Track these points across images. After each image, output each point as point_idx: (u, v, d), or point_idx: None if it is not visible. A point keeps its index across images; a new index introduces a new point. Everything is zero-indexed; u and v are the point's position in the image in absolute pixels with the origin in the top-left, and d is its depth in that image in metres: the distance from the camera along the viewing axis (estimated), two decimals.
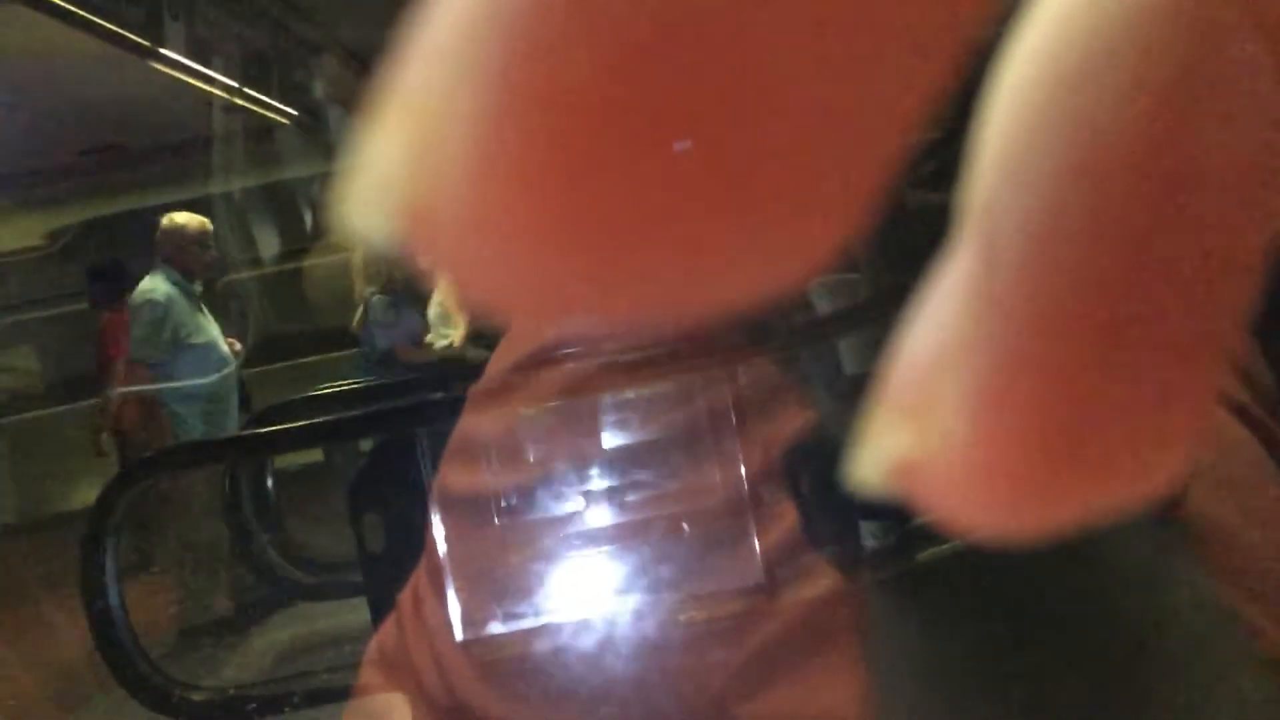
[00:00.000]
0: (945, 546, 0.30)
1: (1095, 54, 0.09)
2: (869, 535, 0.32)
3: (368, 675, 0.52)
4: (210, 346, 3.89)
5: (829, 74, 0.08)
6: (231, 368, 3.98)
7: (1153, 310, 0.09)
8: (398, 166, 0.09)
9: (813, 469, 0.32)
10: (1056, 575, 0.30)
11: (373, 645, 0.53)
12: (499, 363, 0.49)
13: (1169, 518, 0.31)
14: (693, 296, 0.09)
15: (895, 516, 0.30)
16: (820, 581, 0.37)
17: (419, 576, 0.50)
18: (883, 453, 0.10)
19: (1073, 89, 0.09)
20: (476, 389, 0.50)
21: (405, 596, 0.51)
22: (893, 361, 0.10)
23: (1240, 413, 0.41)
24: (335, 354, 4.72)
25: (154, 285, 3.81)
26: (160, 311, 3.78)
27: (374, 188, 0.09)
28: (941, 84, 0.09)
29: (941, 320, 0.10)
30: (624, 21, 0.08)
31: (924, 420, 0.10)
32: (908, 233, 0.18)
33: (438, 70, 0.08)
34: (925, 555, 0.30)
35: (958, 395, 0.09)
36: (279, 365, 5.24)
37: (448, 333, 4.15)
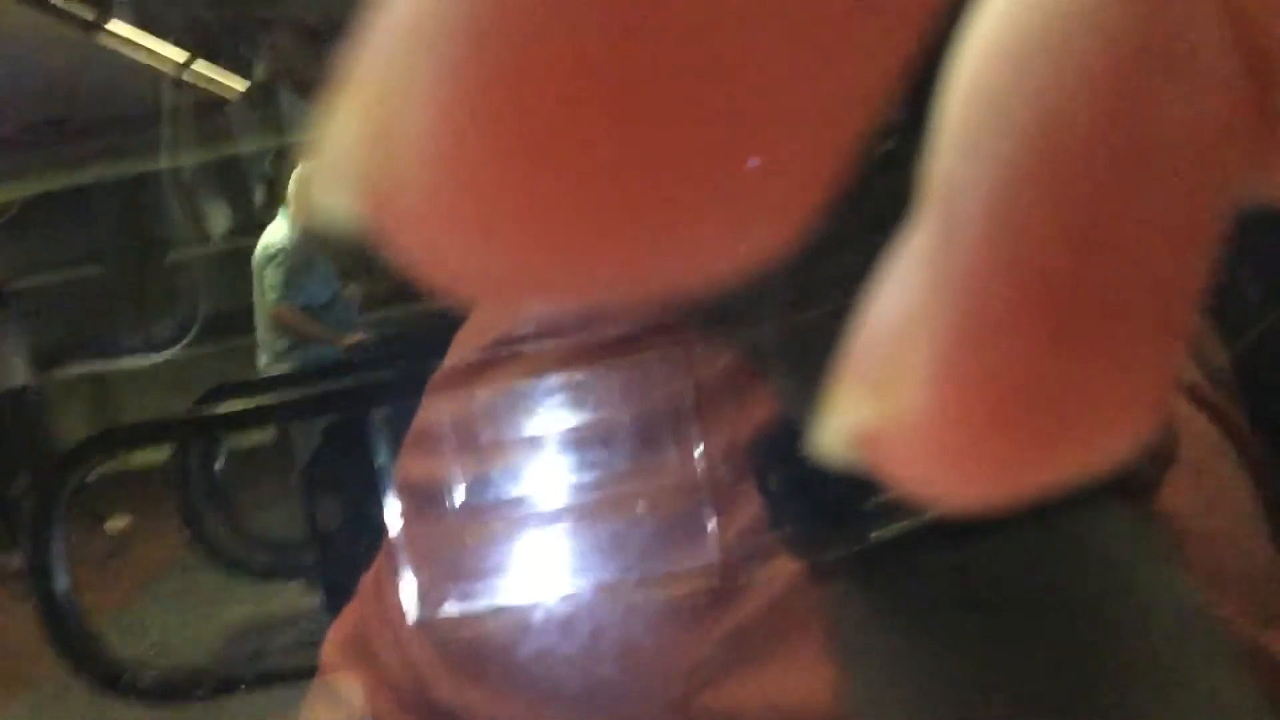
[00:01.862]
0: (908, 524, 0.30)
1: (1054, 27, 0.09)
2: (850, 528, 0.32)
3: (329, 656, 0.52)
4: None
5: (794, 47, 0.08)
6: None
7: (1110, 280, 0.09)
8: (359, 147, 0.09)
9: (779, 463, 0.32)
10: (1028, 571, 0.30)
11: (333, 630, 0.53)
12: (459, 350, 0.49)
13: (1143, 510, 0.31)
14: (658, 275, 0.09)
15: (861, 500, 0.30)
16: (785, 567, 0.37)
17: (379, 559, 0.50)
18: (846, 424, 0.10)
19: (1031, 62, 0.09)
20: (436, 376, 0.49)
21: (367, 579, 0.51)
22: (855, 332, 0.10)
23: (1193, 395, 0.42)
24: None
25: (277, 231, 3.87)
26: (288, 257, 3.83)
27: (335, 169, 0.09)
28: (906, 57, 0.09)
29: (903, 291, 0.10)
30: (583, 2, 0.08)
31: (887, 390, 0.10)
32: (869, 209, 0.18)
33: (399, 50, 0.08)
34: (887, 533, 0.30)
35: (920, 365, 0.10)
36: (228, 343, 5.19)
37: None
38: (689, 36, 0.08)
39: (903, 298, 0.10)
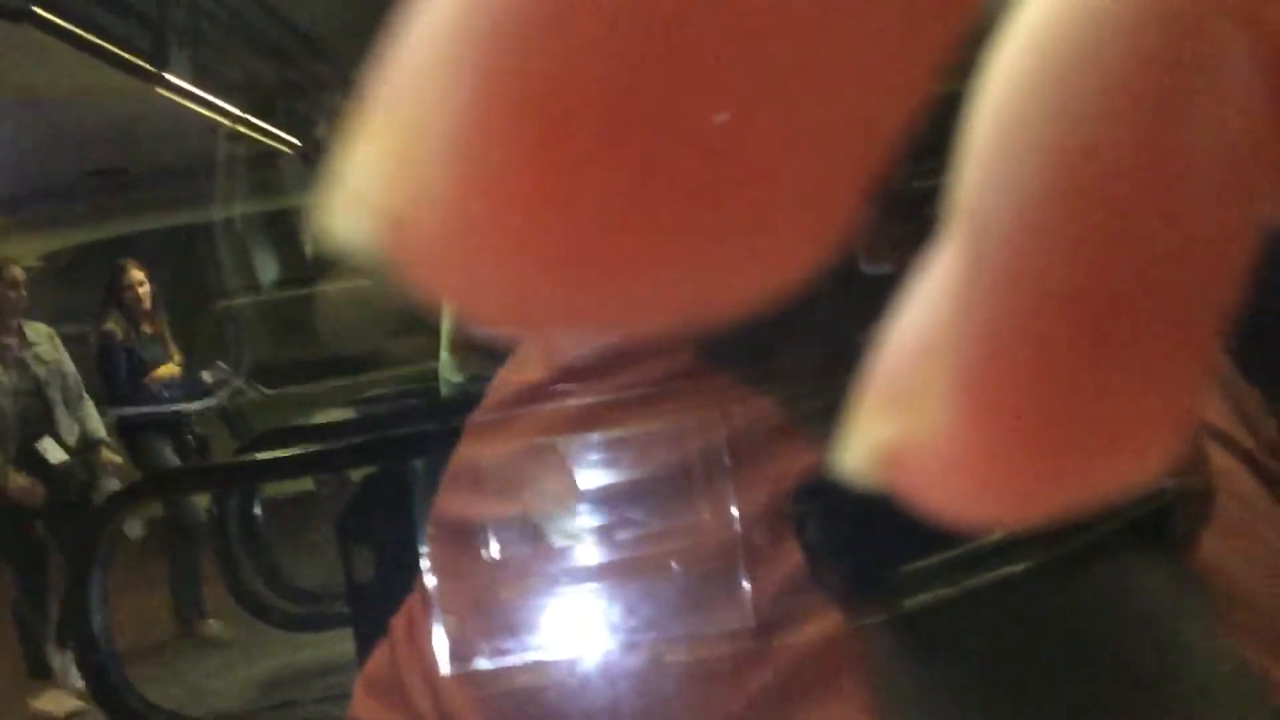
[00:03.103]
0: (945, 592, 0.30)
1: (1078, 50, 0.09)
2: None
3: (359, 703, 0.51)
4: None
5: (813, 80, 0.08)
6: None
7: (1136, 301, 0.09)
8: (379, 177, 0.09)
9: (818, 513, 0.32)
10: (1066, 622, 0.30)
11: (365, 672, 0.53)
12: (498, 394, 0.49)
13: (1181, 564, 0.31)
14: (677, 305, 0.09)
15: (901, 560, 0.30)
16: (820, 626, 0.36)
17: (412, 602, 0.50)
18: (869, 443, 0.10)
19: (1056, 85, 0.09)
20: (474, 419, 0.50)
21: (398, 622, 0.51)
22: (880, 351, 0.10)
23: (1244, 457, 0.42)
24: (333, 382, 4.70)
25: None
26: None
27: (355, 198, 0.09)
28: (924, 90, 0.09)
29: (928, 311, 0.10)
30: (604, 35, 0.08)
31: (911, 410, 0.10)
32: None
33: (419, 80, 0.09)
34: (921, 600, 0.30)
35: (944, 384, 0.10)
36: (274, 392, 5.22)
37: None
38: (711, 72, 0.08)
39: (928, 318, 0.10)
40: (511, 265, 0.09)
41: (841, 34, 0.08)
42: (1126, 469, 0.10)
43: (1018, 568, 0.29)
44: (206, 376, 4.59)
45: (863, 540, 0.31)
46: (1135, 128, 0.09)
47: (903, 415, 0.10)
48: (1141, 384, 0.09)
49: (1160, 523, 0.31)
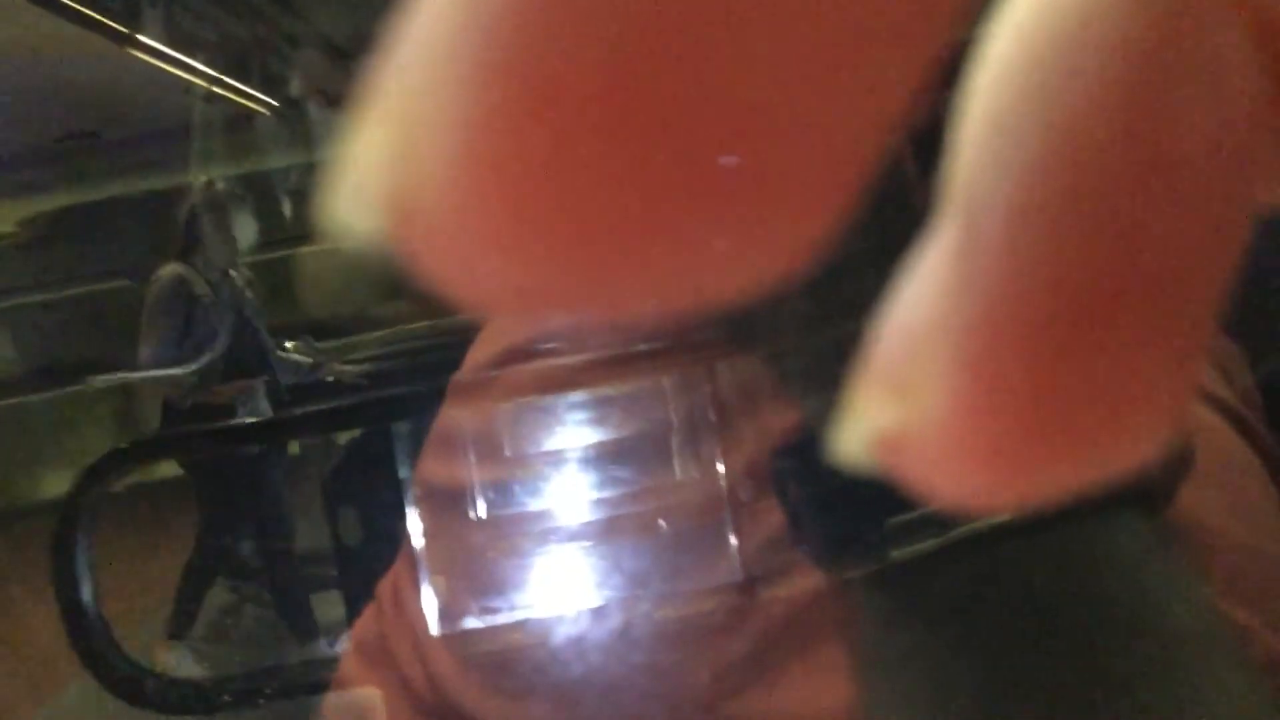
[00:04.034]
0: (929, 544, 0.30)
1: (1074, 34, 0.09)
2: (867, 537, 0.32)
3: (347, 667, 0.52)
4: None
5: (813, 65, 0.08)
6: None
7: (1132, 282, 0.09)
8: (381, 163, 0.09)
9: (800, 472, 0.32)
10: (1045, 575, 0.30)
11: (352, 636, 0.53)
12: (478, 355, 0.49)
13: (1160, 516, 0.31)
14: (677, 291, 0.09)
15: (883, 516, 0.30)
16: (805, 581, 0.37)
17: (399, 567, 0.50)
18: (866, 427, 0.10)
19: (1052, 69, 0.09)
20: (455, 381, 0.50)
21: (384, 587, 0.51)
22: (876, 336, 0.10)
23: (1222, 409, 0.42)
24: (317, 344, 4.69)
25: None
26: None
27: (357, 184, 0.09)
28: (924, 76, 0.09)
29: (924, 295, 0.10)
30: (607, 18, 0.08)
31: (907, 394, 0.10)
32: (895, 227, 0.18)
33: (422, 66, 0.09)
34: (908, 553, 0.30)
35: (941, 369, 0.10)
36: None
37: None
38: (710, 56, 0.08)
39: (924, 302, 0.10)
40: (515, 253, 0.09)
41: (843, 20, 0.08)
42: (1125, 448, 0.10)
43: (997, 520, 0.29)
44: (290, 348, 4.49)
45: (843, 498, 0.31)
46: (1128, 111, 0.09)
47: (900, 400, 0.10)
48: (1138, 364, 0.09)
49: (1140, 478, 0.31)
